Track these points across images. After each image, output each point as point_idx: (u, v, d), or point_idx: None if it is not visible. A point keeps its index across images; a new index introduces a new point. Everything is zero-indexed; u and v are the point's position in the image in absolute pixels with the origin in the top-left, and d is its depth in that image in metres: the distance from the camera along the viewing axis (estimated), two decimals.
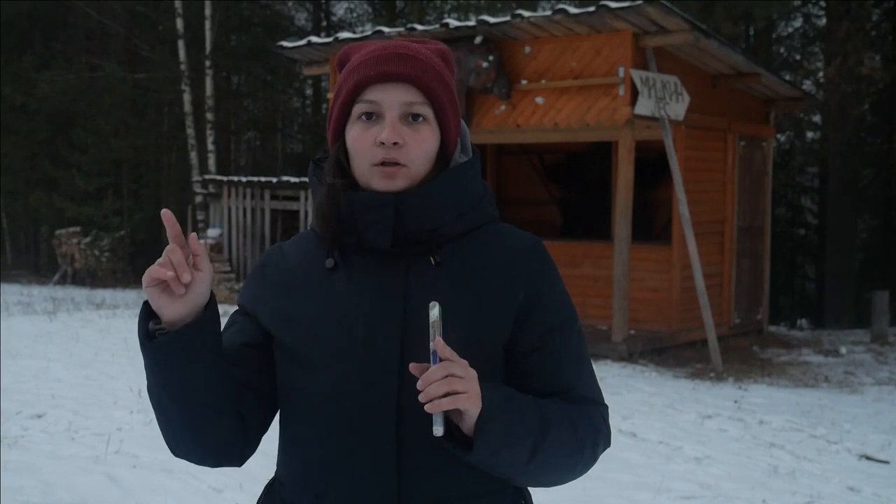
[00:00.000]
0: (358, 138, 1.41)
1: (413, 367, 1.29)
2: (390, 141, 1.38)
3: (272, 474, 1.52)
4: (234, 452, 1.44)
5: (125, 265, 21.20)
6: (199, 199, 17.75)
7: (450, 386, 1.24)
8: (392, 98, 1.40)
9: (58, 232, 20.96)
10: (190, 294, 1.31)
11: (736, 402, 7.78)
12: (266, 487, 1.53)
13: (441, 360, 1.26)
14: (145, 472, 4.87)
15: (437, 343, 1.25)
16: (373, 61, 1.41)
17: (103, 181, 21.95)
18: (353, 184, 1.44)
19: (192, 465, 4.74)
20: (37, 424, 5.88)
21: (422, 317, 1.32)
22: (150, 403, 1.41)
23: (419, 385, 1.25)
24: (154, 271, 1.29)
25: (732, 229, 11.24)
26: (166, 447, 1.44)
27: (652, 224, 12.00)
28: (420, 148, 1.41)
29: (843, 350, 11.18)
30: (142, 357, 1.35)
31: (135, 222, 22.41)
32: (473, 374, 1.28)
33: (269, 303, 1.47)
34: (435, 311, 1.28)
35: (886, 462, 6.08)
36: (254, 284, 1.51)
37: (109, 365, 8.10)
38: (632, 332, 9.88)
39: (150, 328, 1.33)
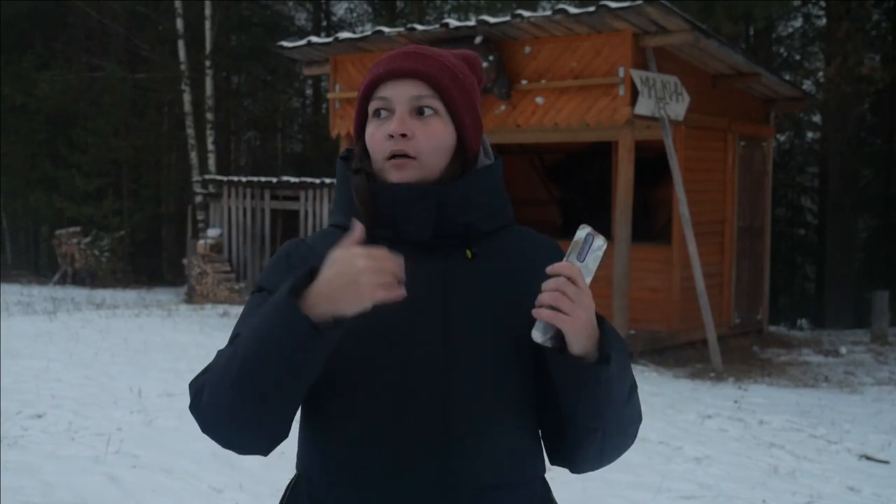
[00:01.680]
0: (372, 135, 1.46)
1: (551, 269, 1.31)
2: (397, 132, 1.42)
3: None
4: (281, 440, 1.42)
5: (125, 265, 21.23)
6: (199, 199, 17.74)
7: (555, 301, 1.29)
8: (400, 93, 1.45)
9: (58, 232, 20.98)
10: None
11: (736, 402, 7.78)
12: (290, 487, 1.51)
13: (567, 278, 1.29)
14: (145, 472, 4.86)
15: (561, 264, 1.31)
16: (385, 61, 1.48)
17: (103, 181, 21.96)
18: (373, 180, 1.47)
19: (192, 464, 4.78)
20: (37, 424, 5.87)
21: (461, 307, 1.40)
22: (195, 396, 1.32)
23: (545, 286, 1.30)
24: (392, 267, 1.26)
25: (732, 229, 11.24)
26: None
27: (652, 224, 12.00)
28: (429, 141, 1.44)
29: (843, 350, 11.18)
30: (282, 340, 1.27)
31: (135, 222, 22.42)
32: (589, 302, 1.31)
33: None
34: (580, 233, 1.34)
35: (886, 462, 6.08)
36: (284, 273, 1.45)
37: (109, 365, 8.09)
38: (632, 331, 9.88)
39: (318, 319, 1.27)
